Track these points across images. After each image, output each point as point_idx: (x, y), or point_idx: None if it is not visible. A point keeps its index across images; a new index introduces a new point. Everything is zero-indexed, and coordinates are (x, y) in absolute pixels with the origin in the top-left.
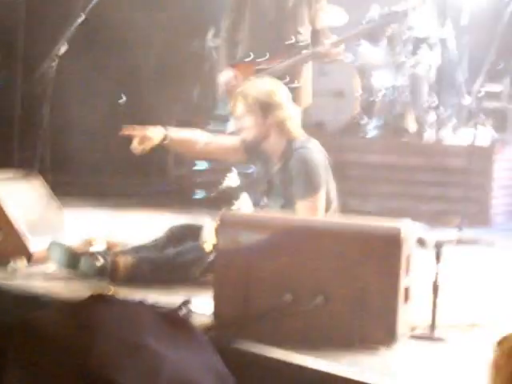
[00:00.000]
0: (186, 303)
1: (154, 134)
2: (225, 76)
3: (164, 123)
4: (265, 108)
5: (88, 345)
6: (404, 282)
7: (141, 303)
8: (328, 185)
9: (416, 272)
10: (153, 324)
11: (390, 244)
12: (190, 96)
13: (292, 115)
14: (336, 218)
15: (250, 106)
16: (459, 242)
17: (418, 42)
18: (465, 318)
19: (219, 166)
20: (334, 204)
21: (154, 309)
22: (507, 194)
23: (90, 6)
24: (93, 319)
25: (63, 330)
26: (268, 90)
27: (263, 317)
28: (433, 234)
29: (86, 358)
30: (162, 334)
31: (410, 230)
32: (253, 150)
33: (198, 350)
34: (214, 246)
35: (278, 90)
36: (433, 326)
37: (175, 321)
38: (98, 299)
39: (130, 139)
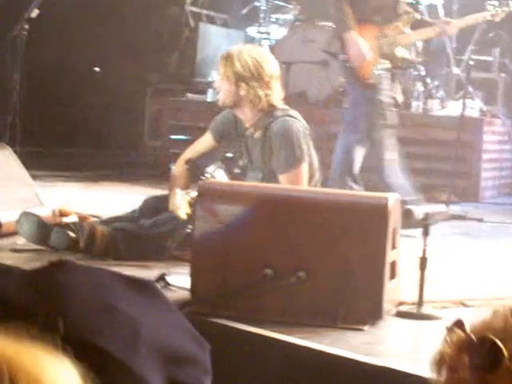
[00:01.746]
0: (162, 276)
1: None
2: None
3: (140, 92)
4: (240, 78)
5: (58, 310)
6: (390, 256)
7: (102, 269)
8: (310, 157)
9: (402, 246)
10: (120, 288)
11: (376, 216)
12: (168, 64)
13: (270, 92)
14: (319, 190)
15: (227, 72)
16: (447, 217)
17: None
18: (453, 295)
19: (197, 138)
20: (317, 177)
21: (118, 274)
22: (496, 168)
23: None
24: (57, 285)
25: (26, 297)
26: (250, 62)
27: (242, 292)
28: (419, 208)
29: (60, 323)
30: (132, 297)
31: (396, 202)
32: (224, 132)
33: (170, 313)
34: (191, 217)
35: (262, 64)
36: (420, 303)
37: (141, 285)
38: (58, 266)
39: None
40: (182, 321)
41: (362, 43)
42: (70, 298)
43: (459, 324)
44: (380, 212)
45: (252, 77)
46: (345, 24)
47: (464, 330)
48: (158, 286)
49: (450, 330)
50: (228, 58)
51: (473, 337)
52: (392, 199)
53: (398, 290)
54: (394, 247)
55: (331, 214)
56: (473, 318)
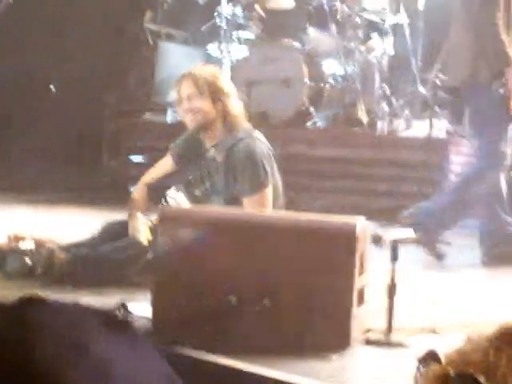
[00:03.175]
0: (122, 305)
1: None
2: None
3: (97, 113)
4: (215, 92)
5: (27, 349)
6: (358, 282)
7: (76, 305)
8: (274, 179)
9: (371, 272)
10: (93, 326)
11: (343, 241)
12: (126, 83)
13: (237, 107)
14: (284, 214)
15: (201, 89)
16: (413, 241)
17: (369, 28)
18: (422, 321)
19: (156, 159)
20: (281, 199)
21: (92, 310)
22: None
23: None
24: (28, 322)
25: None
26: (217, 76)
27: (205, 320)
28: (387, 232)
29: (28, 364)
30: (105, 336)
31: (364, 227)
32: (184, 154)
33: (144, 353)
34: (152, 244)
35: (222, 81)
36: (389, 330)
37: (115, 323)
38: (28, 301)
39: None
40: (157, 361)
41: None
42: (43, 335)
43: (432, 355)
44: (347, 238)
45: (227, 90)
46: (507, 56)
47: (439, 363)
48: (118, 314)
49: (423, 361)
50: (199, 75)
51: (451, 372)
52: (359, 224)
53: (366, 316)
54: (361, 272)
55: (296, 239)
56: (445, 347)
